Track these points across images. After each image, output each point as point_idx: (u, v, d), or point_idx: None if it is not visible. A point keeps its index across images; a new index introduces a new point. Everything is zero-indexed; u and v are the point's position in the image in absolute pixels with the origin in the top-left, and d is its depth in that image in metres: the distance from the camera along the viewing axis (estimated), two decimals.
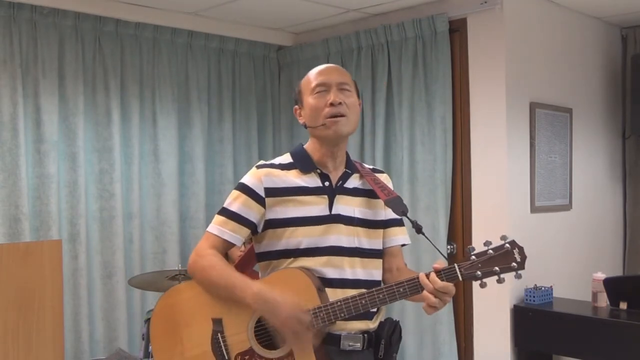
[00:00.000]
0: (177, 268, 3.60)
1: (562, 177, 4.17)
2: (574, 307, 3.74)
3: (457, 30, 3.98)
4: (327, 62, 4.49)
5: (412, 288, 1.87)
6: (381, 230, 2.12)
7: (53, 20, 3.85)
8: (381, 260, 2.12)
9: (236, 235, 2.03)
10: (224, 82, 4.62)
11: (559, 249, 4.14)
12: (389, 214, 2.13)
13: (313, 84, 2.05)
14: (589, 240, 4.39)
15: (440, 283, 1.81)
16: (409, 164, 4.11)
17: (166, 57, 4.33)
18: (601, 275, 3.70)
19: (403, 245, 2.18)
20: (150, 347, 3.33)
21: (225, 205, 2.06)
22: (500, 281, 1.84)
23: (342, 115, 2.00)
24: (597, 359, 3.52)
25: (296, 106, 2.13)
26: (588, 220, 4.38)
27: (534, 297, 3.74)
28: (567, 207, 4.22)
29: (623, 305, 3.60)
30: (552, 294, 3.83)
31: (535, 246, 3.91)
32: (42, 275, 2.48)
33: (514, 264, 1.83)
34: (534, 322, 3.69)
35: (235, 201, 2.04)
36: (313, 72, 2.09)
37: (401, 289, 1.87)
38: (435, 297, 1.82)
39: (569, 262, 4.21)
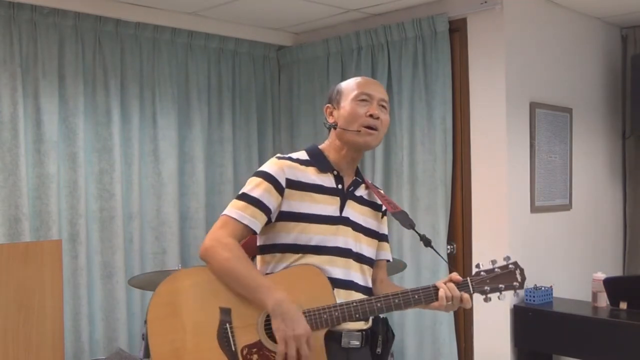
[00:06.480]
0: (177, 268, 3.60)
1: (562, 177, 4.17)
2: (574, 307, 3.74)
3: (457, 30, 3.98)
4: (327, 62, 4.56)
5: (427, 296, 2.01)
6: (376, 242, 2.20)
7: (53, 20, 3.85)
8: (372, 270, 2.19)
9: (256, 221, 2.01)
10: (224, 82, 4.62)
11: (559, 249, 4.14)
12: (383, 229, 2.23)
13: (357, 91, 2.11)
14: (589, 240, 4.39)
15: (458, 294, 2.01)
16: (409, 164, 4.11)
17: (166, 57, 4.33)
18: (601, 275, 3.70)
19: (388, 261, 2.29)
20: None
21: (245, 190, 2.04)
22: (501, 297, 2.06)
23: (376, 129, 2.08)
24: (597, 359, 3.53)
25: (329, 105, 2.17)
26: (588, 220, 4.38)
27: (534, 297, 3.74)
28: (567, 207, 4.22)
29: (623, 305, 3.60)
30: (552, 294, 3.82)
31: (535, 246, 3.91)
32: (42, 275, 2.49)
33: (515, 283, 2.08)
34: (534, 322, 3.69)
35: (257, 187, 2.02)
36: (358, 81, 2.15)
37: (416, 296, 2.00)
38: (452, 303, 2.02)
39: (569, 262, 4.21)
